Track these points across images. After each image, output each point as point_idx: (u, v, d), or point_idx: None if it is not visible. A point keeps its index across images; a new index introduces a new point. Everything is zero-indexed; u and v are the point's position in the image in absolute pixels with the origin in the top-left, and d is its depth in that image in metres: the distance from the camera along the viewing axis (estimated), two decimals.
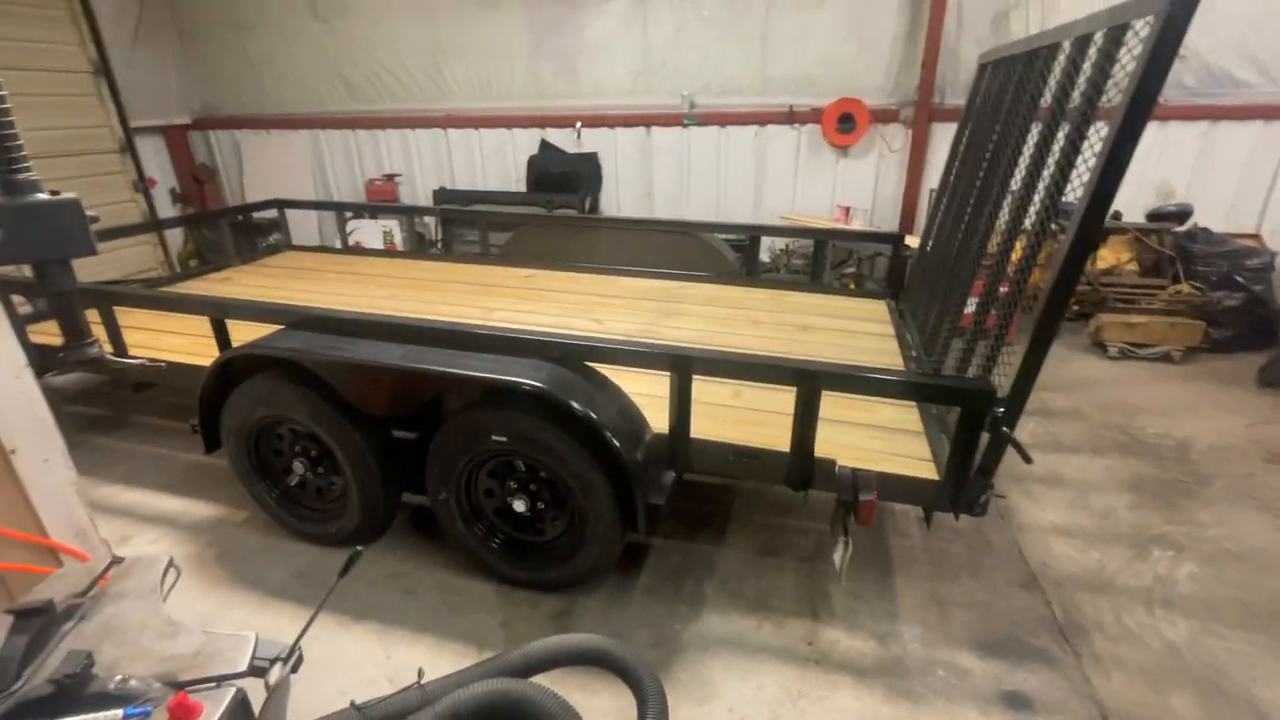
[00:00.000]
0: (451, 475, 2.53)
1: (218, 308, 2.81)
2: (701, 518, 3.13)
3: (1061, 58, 2.39)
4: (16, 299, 3.41)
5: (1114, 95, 1.91)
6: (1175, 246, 5.40)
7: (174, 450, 3.80)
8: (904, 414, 2.76)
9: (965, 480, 2.16)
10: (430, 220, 7.20)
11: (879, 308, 4.14)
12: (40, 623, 1.22)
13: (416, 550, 2.91)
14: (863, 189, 6.42)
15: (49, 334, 3.41)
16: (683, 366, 2.24)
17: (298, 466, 2.80)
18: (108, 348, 3.24)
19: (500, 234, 5.77)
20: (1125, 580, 2.76)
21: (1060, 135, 2.24)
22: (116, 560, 1.47)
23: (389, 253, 6.03)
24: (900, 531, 3.03)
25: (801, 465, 2.28)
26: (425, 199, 7.57)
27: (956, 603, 2.61)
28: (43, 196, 1.25)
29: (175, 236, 7.61)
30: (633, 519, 2.37)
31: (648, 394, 2.52)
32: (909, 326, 3.68)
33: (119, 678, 1.10)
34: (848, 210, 6.26)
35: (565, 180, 6.94)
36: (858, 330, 3.75)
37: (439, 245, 7.14)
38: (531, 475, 2.53)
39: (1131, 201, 5.67)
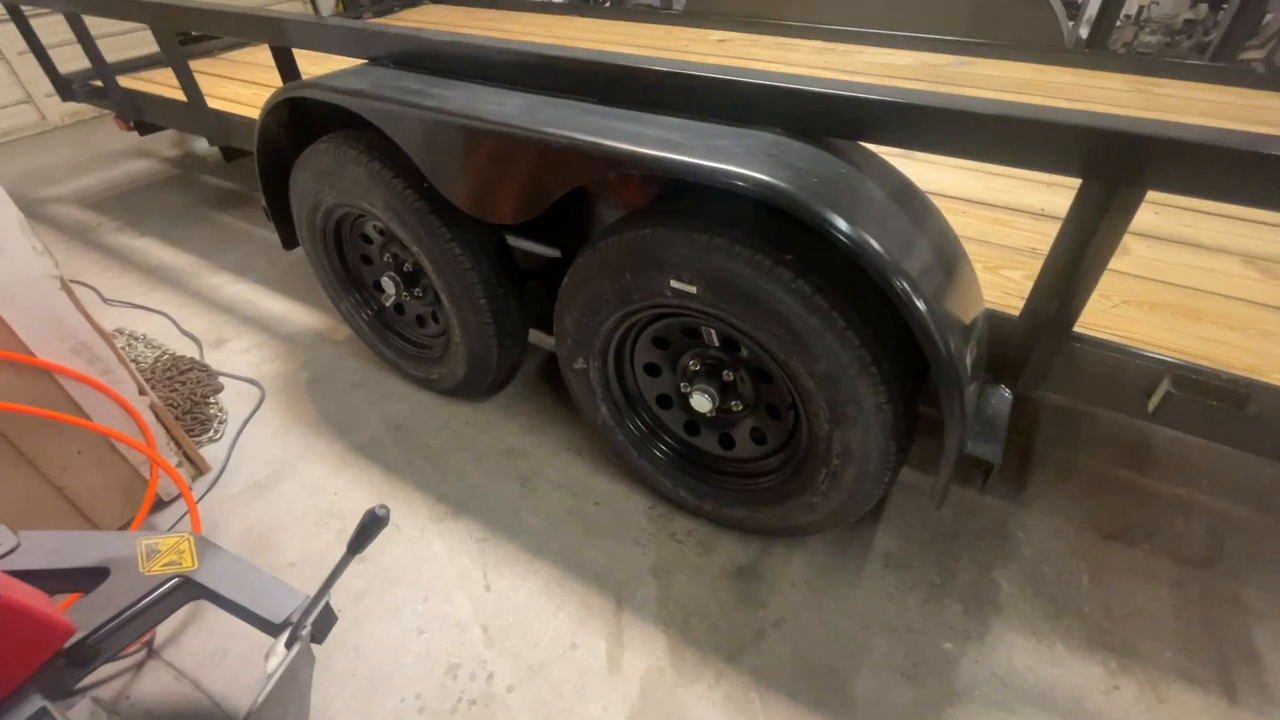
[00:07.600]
0: (594, 336, 1.51)
1: (273, 29, 1.82)
2: None
3: None
4: None
5: None
6: None
7: None
8: None
9: None
10: None
11: None
12: None
13: (544, 417, 2.06)
14: None
15: None
16: (1122, 163, 0.92)
17: (387, 284, 1.95)
18: (180, 96, 2.51)
19: None
20: None
21: None
22: None
23: (548, 5, 4.68)
24: None
25: None
26: None
27: None
28: None
29: None
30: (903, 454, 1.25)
31: None
32: None
33: None
34: None
35: None
36: None
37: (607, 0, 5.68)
38: (729, 353, 1.45)
39: None
